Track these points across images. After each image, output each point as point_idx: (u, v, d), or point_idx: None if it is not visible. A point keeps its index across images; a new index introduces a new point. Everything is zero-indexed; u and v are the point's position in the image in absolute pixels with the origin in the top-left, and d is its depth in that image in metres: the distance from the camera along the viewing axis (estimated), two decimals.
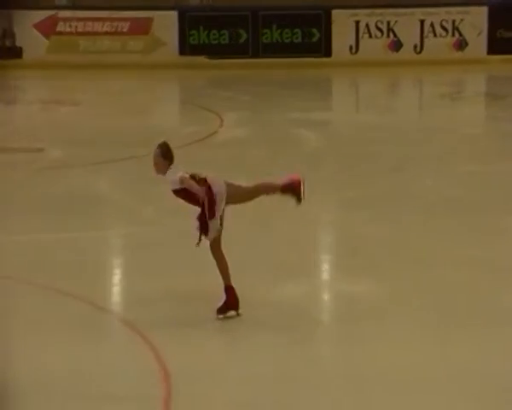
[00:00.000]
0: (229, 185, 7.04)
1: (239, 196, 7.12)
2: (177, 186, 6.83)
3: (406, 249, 8.61)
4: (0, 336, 6.56)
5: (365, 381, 6.03)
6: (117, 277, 8.38)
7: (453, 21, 21.95)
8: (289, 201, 10.29)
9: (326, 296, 7.90)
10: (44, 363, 6.23)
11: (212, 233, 6.87)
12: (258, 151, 13.00)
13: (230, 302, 6.92)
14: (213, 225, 6.87)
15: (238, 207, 9.88)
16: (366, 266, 8.13)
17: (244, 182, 10.98)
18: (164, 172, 6.92)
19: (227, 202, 6.98)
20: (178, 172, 6.83)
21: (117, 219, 10.03)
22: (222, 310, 6.93)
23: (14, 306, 7.17)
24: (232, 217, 9.41)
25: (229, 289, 6.94)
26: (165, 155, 6.93)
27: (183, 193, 6.88)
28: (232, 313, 6.94)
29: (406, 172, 11.73)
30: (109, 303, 7.58)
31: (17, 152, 13.02)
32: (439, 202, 10.27)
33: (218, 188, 6.93)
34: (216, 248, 6.94)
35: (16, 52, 22.02)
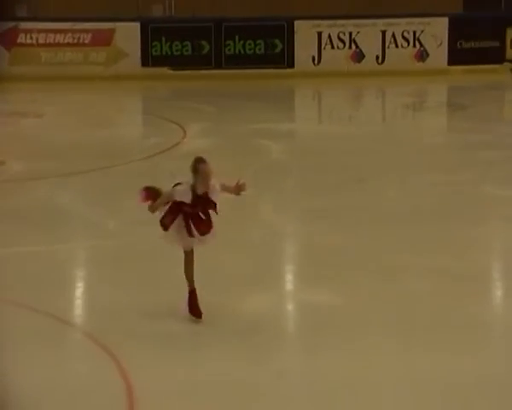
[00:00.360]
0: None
1: None
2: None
3: (370, 260, 8.64)
4: None
5: (329, 391, 6.05)
6: (81, 290, 8.32)
7: (414, 32, 22.14)
8: (254, 211, 10.32)
9: (289, 307, 7.91)
10: (5, 376, 6.15)
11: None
12: (221, 162, 12.90)
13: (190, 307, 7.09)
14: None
15: None
16: (330, 276, 8.15)
17: None
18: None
19: None
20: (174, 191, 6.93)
21: (81, 232, 9.97)
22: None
23: None
24: None
25: (190, 294, 7.10)
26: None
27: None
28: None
29: (370, 182, 11.79)
30: (73, 316, 7.52)
31: None
32: (402, 213, 10.34)
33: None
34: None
35: None
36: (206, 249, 8.89)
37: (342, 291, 7.79)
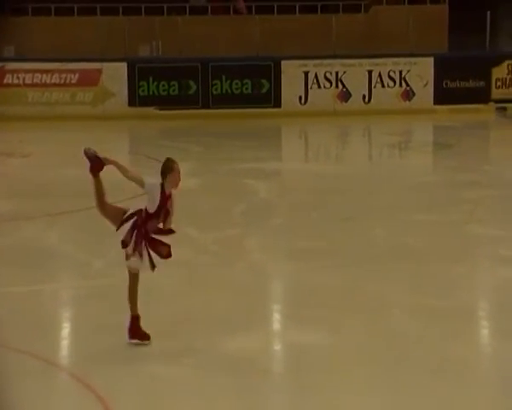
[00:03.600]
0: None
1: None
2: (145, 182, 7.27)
3: (357, 298, 8.63)
4: None
5: None
6: (67, 330, 8.27)
7: (400, 72, 22.33)
8: (241, 250, 10.31)
9: (276, 347, 7.87)
10: None
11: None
12: (209, 202, 13.00)
13: (138, 330, 7.21)
14: None
15: (191, 257, 9.88)
16: (316, 316, 8.13)
17: (195, 233, 11.02)
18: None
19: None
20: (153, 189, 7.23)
21: (67, 272, 9.93)
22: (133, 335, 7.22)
23: None
24: (185, 267, 9.40)
25: (134, 320, 7.20)
26: (161, 172, 7.38)
27: None
28: (136, 341, 7.22)
29: (356, 220, 11.81)
30: (59, 357, 7.46)
31: None
32: (389, 251, 10.35)
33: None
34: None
35: None
36: (191, 287, 8.91)
37: (329, 331, 7.77)
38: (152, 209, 7.14)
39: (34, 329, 7.78)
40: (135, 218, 7.16)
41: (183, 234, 10.92)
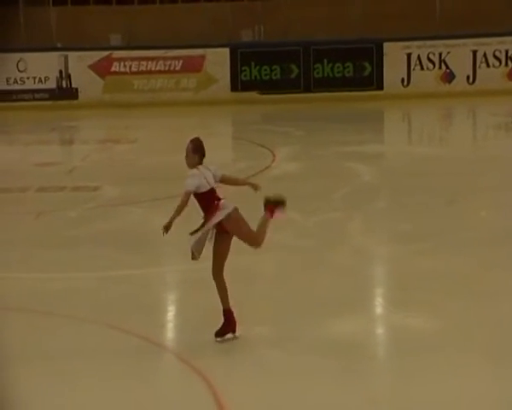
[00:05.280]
0: (236, 213, 7.10)
1: (242, 231, 7.16)
2: (187, 189, 7.14)
3: (461, 283, 8.53)
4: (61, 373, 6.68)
5: None
6: (172, 313, 8.45)
7: (506, 51, 21.82)
8: (343, 234, 10.31)
9: (380, 330, 7.85)
10: (98, 398, 6.30)
11: (190, 244, 7.09)
12: (311, 186, 13.03)
13: (228, 325, 7.11)
14: (194, 238, 7.06)
15: (293, 241, 9.95)
16: (421, 299, 8.07)
17: (297, 216, 11.08)
18: (191, 167, 7.20)
19: (229, 231, 7.06)
20: (192, 181, 7.11)
21: (173, 256, 10.11)
22: (219, 333, 7.13)
23: (71, 343, 7.28)
24: (287, 251, 9.48)
25: (227, 313, 7.11)
26: (194, 151, 7.23)
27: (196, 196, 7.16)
28: (230, 335, 7.13)
29: (461, 204, 11.65)
30: (165, 339, 7.63)
31: (74, 191, 13.24)
32: (494, 235, 10.16)
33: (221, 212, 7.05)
34: (217, 272, 7.10)
35: (72, 93, 22.46)
36: (295, 271, 8.96)
37: (435, 314, 7.69)
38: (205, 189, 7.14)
39: (141, 311, 7.97)
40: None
41: (286, 218, 10.98)
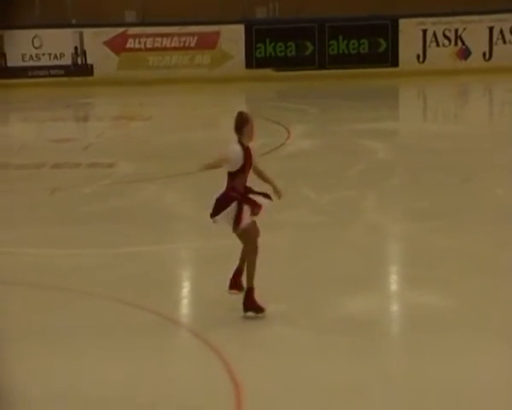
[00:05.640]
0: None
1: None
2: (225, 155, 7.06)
3: (476, 261, 8.51)
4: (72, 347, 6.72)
5: (436, 395, 5.97)
6: (187, 289, 8.47)
7: None
8: (358, 211, 10.30)
9: (394, 308, 7.85)
10: (114, 373, 6.33)
11: (244, 221, 7.01)
12: (326, 163, 13.01)
13: (253, 302, 7.11)
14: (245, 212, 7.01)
15: (307, 219, 9.95)
16: (436, 277, 8.06)
17: (312, 194, 11.07)
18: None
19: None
20: (234, 154, 7.02)
21: (188, 233, 10.14)
22: (248, 308, 7.12)
23: (83, 319, 7.32)
24: (301, 228, 9.47)
25: (251, 291, 7.12)
26: (235, 127, 7.22)
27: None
28: (251, 314, 7.14)
29: (476, 181, 11.60)
30: (179, 315, 7.66)
31: (89, 167, 13.27)
32: (509, 213, 10.13)
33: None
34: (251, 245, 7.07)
35: (87, 69, 22.47)
36: (309, 248, 8.96)
37: (450, 292, 7.68)
38: (235, 168, 7.10)
39: (155, 288, 8.00)
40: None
41: (300, 195, 11.00)
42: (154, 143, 15.13)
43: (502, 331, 6.92)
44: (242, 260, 7.27)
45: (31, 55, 22.34)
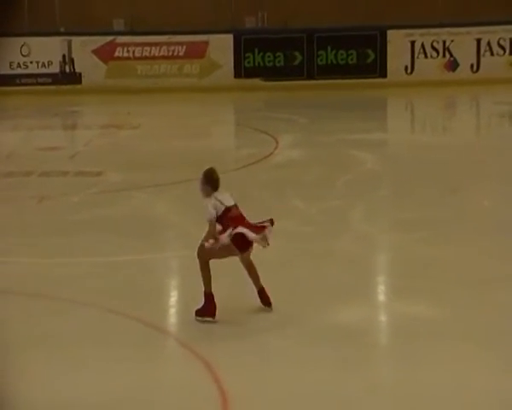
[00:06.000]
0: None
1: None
2: (208, 218, 7.18)
3: (463, 271, 8.54)
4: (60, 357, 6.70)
5: (424, 406, 5.98)
6: (174, 298, 8.46)
7: (510, 39, 21.77)
8: (346, 221, 10.32)
9: (382, 318, 7.86)
10: (101, 383, 6.31)
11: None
12: (314, 173, 13.03)
13: (209, 308, 7.24)
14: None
15: (296, 229, 9.96)
16: (423, 287, 8.08)
17: (300, 204, 11.09)
18: (206, 197, 7.26)
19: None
20: (213, 208, 7.15)
21: (175, 242, 10.13)
22: (200, 313, 7.27)
23: (73, 328, 7.30)
24: (290, 238, 9.48)
25: (208, 296, 7.24)
26: (207, 182, 7.26)
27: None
28: (209, 319, 7.25)
29: (464, 192, 11.65)
30: (168, 325, 7.65)
31: (77, 176, 13.24)
32: (496, 224, 10.17)
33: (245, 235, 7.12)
34: (206, 256, 7.26)
35: (76, 78, 22.44)
36: (297, 258, 8.97)
37: (437, 303, 7.70)
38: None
39: (144, 297, 7.98)
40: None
41: (288, 205, 11.01)
42: (142, 151, 15.12)
43: (488, 341, 6.94)
44: (253, 279, 7.40)
45: (19, 63, 22.30)
